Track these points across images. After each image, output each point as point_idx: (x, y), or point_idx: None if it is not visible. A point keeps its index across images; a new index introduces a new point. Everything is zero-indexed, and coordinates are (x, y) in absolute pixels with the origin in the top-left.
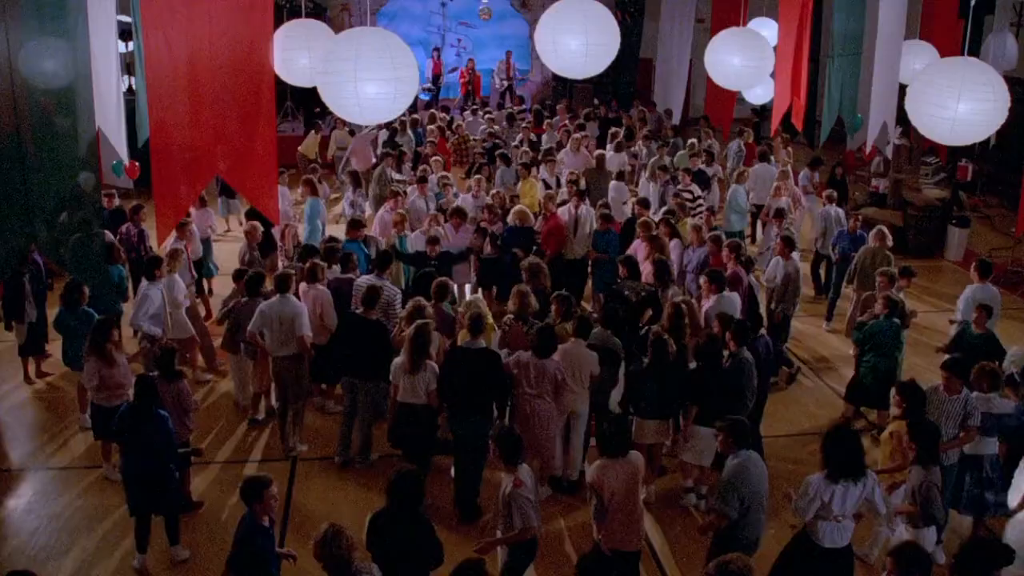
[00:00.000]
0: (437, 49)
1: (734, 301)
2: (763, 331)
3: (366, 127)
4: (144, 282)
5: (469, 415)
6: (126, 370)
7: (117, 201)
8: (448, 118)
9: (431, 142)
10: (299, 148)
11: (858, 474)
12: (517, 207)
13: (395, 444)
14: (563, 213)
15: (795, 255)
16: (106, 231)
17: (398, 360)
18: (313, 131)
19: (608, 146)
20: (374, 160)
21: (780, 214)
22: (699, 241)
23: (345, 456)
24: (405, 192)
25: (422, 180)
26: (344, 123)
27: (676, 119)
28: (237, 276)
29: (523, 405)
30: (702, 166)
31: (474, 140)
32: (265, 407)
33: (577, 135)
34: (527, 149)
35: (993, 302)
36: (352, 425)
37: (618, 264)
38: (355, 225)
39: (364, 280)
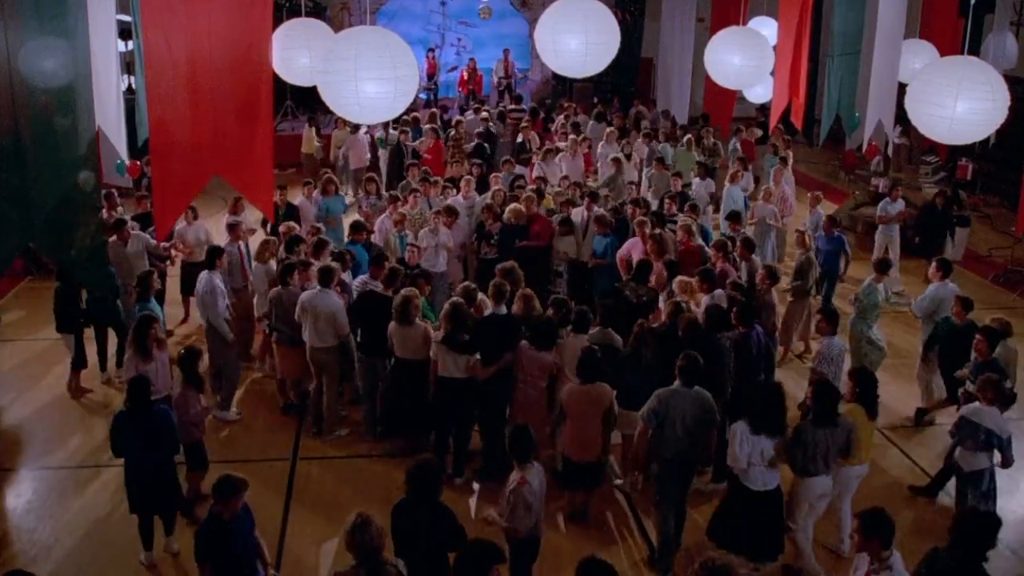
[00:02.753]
0: (432, 48)
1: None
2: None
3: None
4: (206, 273)
5: (494, 382)
6: (163, 369)
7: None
8: (448, 119)
9: (434, 156)
10: (303, 149)
11: (776, 431)
12: (512, 205)
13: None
14: (576, 216)
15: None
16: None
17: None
18: (309, 126)
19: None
20: (368, 159)
21: (735, 217)
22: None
23: (373, 432)
24: (399, 198)
25: (425, 182)
26: (345, 122)
27: (684, 119)
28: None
29: (519, 395)
30: (695, 180)
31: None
32: (294, 395)
33: (574, 136)
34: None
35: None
36: (374, 404)
37: (622, 265)
38: (357, 228)
39: (361, 280)
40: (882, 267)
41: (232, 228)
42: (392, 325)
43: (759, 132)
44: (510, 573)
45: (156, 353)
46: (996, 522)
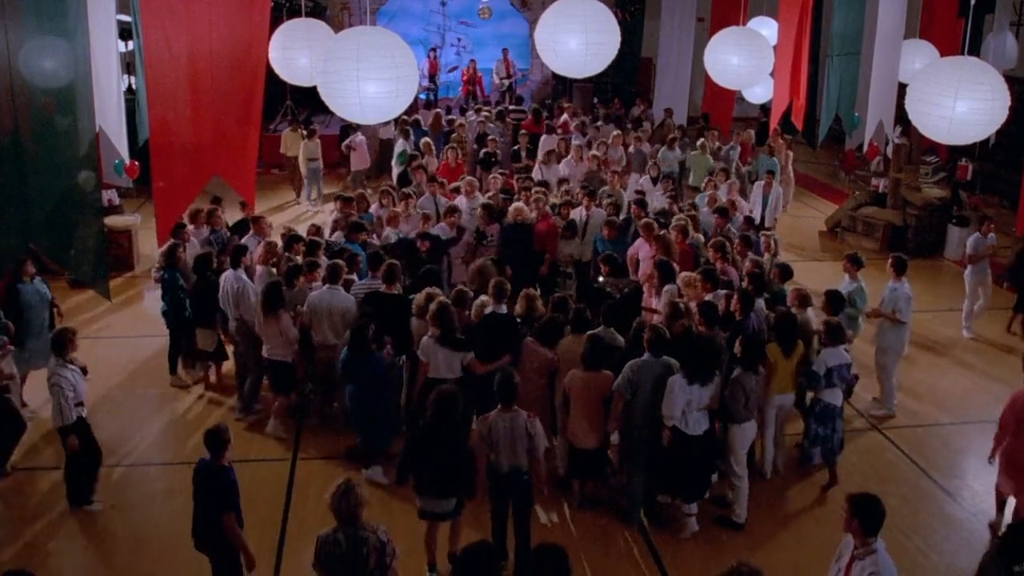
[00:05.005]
0: (434, 48)
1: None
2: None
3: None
4: (231, 273)
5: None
6: (288, 327)
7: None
8: (452, 119)
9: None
10: (287, 152)
11: (707, 379)
12: (515, 204)
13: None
14: (575, 215)
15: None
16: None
17: (428, 338)
18: (292, 129)
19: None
20: (370, 159)
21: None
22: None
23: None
24: (410, 195)
25: (432, 181)
26: (315, 133)
27: (682, 119)
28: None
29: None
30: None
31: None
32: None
33: (578, 142)
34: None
35: (906, 301)
36: None
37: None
38: (356, 228)
39: (362, 284)
40: (854, 261)
41: (257, 221)
42: (415, 321)
43: (752, 134)
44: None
45: (283, 316)
46: None
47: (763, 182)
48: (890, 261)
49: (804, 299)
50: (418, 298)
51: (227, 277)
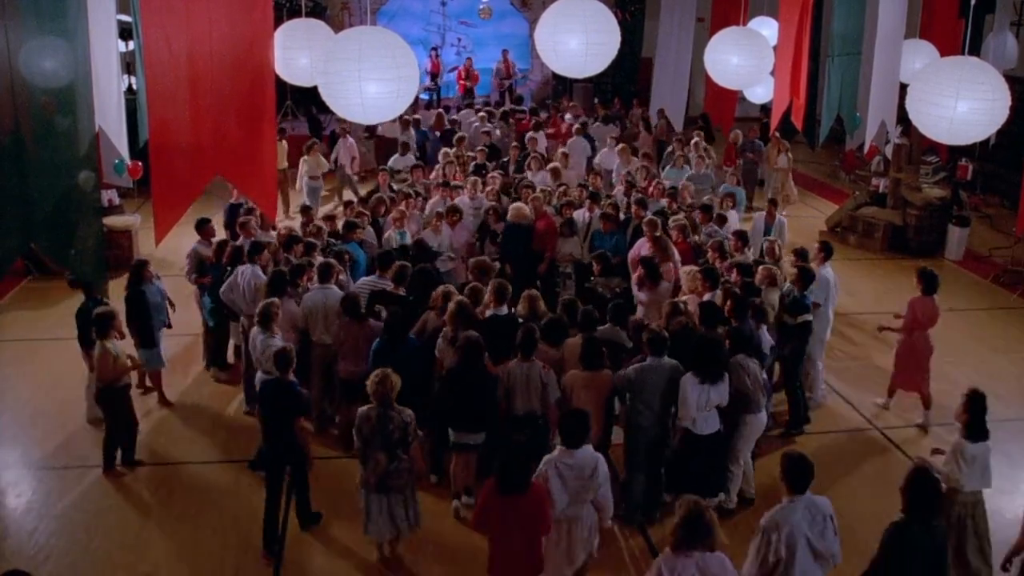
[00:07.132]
0: (435, 48)
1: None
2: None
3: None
4: (248, 268)
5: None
6: (293, 311)
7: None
8: (452, 119)
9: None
10: (280, 166)
11: (717, 378)
12: (515, 205)
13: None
14: (578, 216)
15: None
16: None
17: (442, 338)
18: (280, 139)
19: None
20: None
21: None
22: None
23: None
24: (416, 194)
25: (444, 185)
26: (314, 147)
27: (680, 121)
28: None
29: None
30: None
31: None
32: None
33: (564, 149)
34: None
35: (822, 285)
36: None
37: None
38: (351, 227)
39: (365, 281)
40: (798, 255)
41: (244, 226)
42: (430, 316)
43: (740, 135)
44: None
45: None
46: (935, 480)
47: (765, 212)
48: (816, 246)
49: (772, 279)
50: (435, 293)
51: (244, 272)
